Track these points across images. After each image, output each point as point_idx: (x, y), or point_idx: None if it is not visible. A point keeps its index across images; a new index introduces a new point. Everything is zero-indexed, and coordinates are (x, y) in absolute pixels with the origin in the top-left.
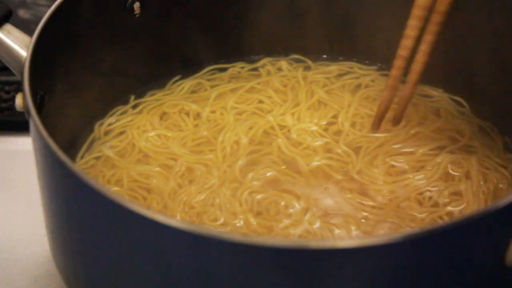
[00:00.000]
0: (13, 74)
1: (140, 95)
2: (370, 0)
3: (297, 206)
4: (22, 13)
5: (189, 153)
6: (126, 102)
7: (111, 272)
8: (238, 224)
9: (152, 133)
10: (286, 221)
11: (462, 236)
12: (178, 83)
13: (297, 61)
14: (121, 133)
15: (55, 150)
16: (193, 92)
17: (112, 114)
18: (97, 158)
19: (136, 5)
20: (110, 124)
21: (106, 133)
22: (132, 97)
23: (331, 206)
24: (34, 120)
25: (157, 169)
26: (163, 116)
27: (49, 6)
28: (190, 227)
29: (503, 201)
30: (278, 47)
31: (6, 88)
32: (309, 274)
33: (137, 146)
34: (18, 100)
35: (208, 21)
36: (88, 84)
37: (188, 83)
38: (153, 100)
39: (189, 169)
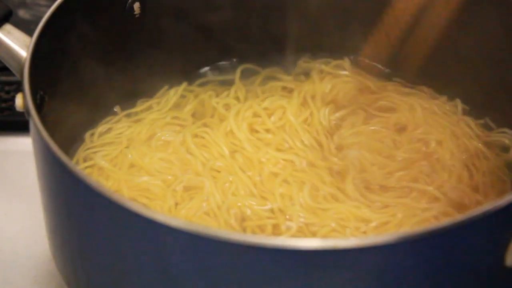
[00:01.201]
0: (13, 74)
1: (138, 97)
2: None
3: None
4: (22, 13)
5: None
6: (126, 103)
7: (111, 272)
8: None
9: (153, 155)
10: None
11: (462, 236)
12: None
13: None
14: (114, 143)
15: (55, 150)
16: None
17: (108, 121)
18: (91, 166)
19: (136, 5)
20: (101, 134)
21: (100, 139)
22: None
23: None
24: (34, 120)
25: (156, 182)
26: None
27: (49, 6)
28: (190, 227)
29: (503, 201)
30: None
31: (6, 88)
32: (309, 274)
33: (132, 161)
34: (18, 100)
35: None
36: (88, 84)
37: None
38: (145, 109)
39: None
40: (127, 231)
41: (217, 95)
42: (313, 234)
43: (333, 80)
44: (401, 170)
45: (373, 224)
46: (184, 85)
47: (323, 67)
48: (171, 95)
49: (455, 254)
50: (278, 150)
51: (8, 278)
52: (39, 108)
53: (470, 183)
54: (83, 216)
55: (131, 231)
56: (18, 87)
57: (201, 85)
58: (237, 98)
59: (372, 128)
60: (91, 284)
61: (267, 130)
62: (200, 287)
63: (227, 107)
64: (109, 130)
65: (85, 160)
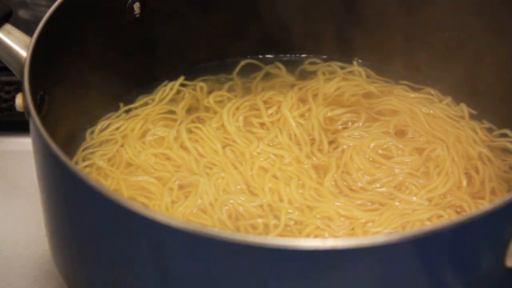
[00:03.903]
0: (13, 74)
1: (138, 94)
2: None
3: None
4: (22, 13)
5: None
6: (127, 102)
7: (111, 272)
8: None
9: (147, 151)
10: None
11: (461, 237)
12: (171, 85)
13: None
14: (113, 141)
15: (55, 150)
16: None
17: (108, 117)
18: (90, 165)
19: (136, 5)
20: (100, 131)
21: (99, 136)
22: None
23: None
24: (34, 120)
25: (151, 180)
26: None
27: (49, 6)
28: (190, 227)
29: (502, 201)
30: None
31: (6, 88)
32: (309, 274)
33: (129, 160)
34: (18, 100)
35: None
36: (88, 84)
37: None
38: (142, 105)
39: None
40: (127, 231)
41: (213, 91)
42: (299, 232)
43: (340, 83)
44: (387, 177)
45: (359, 222)
46: (180, 80)
47: (332, 68)
48: (167, 90)
49: (455, 254)
50: (270, 144)
51: (8, 278)
52: (39, 108)
53: (469, 190)
54: (83, 216)
55: (131, 231)
56: (18, 87)
57: (199, 81)
58: (234, 93)
59: (372, 131)
60: (91, 284)
61: (262, 124)
62: (200, 287)
63: (221, 102)
64: (108, 126)
65: (84, 160)
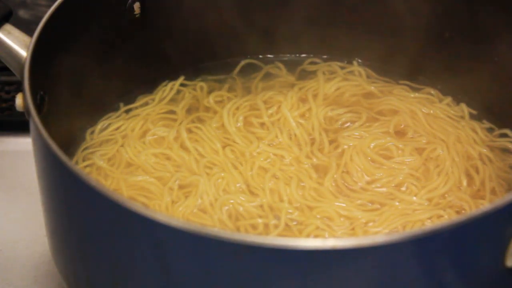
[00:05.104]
0: (13, 74)
1: (138, 93)
2: None
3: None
4: (22, 13)
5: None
6: (127, 102)
7: (111, 272)
8: None
9: (147, 151)
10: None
11: (461, 237)
12: (171, 85)
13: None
14: (113, 141)
15: (55, 150)
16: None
17: (108, 117)
18: (90, 165)
19: (136, 5)
20: (101, 131)
21: (99, 137)
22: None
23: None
24: (34, 120)
25: (151, 180)
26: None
27: (49, 6)
28: (190, 227)
29: (502, 202)
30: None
31: (6, 88)
32: (309, 274)
33: (129, 160)
34: (18, 100)
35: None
36: (88, 84)
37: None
38: (142, 105)
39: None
40: (127, 231)
41: (213, 91)
42: (299, 232)
43: (340, 83)
44: (387, 177)
45: (359, 222)
46: (180, 79)
47: (332, 68)
48: (167, 90)
49: (455, 254)
50: (270, 144)
51: (8, 278)
52: (39, 108)
53: (469, 190)
54: (83, 216)
55: (131, 231)
56: (18, 87)
57: (199, 81)
58: (234, 93)
59: (372, 131)
60: (91, 284)
61: (262, 124)
62: (200, 287)
63: (221, 102)
64: (108, 126)
65: (84, 160)
